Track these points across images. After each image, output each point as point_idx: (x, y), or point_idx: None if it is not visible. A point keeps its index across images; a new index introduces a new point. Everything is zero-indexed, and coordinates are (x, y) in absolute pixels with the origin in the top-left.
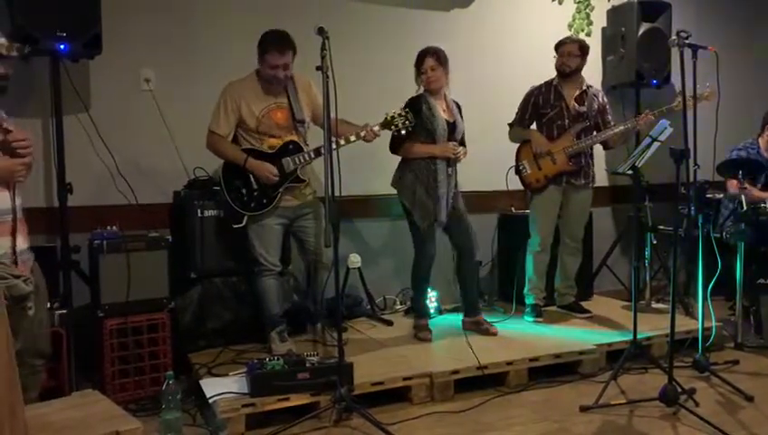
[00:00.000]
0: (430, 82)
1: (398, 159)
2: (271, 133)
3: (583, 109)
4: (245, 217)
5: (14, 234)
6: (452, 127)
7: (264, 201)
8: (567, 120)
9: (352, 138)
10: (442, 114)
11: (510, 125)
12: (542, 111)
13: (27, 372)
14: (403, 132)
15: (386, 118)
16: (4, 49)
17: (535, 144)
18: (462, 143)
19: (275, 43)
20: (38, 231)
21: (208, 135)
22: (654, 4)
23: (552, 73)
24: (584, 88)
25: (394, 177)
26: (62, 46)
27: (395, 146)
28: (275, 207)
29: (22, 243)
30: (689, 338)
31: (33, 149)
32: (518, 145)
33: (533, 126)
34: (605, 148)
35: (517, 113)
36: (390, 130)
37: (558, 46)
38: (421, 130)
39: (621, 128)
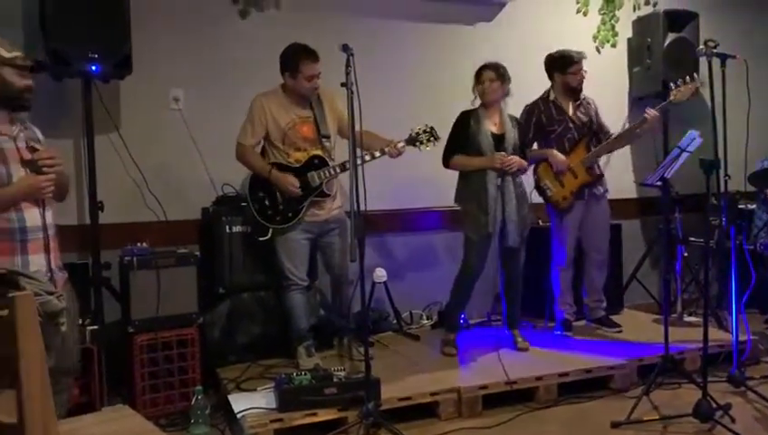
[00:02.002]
0: (486, 94)
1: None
2: (296, 146)
3: (585, 118)
4: (270, 230)
5: (47, 250)
6: (499, 139)
7: (290, 215)
8: (576, 133)
9: (377, 153)
10: (489, 128)
11: None
12: (548, 128)
13: (58, 388)
14: (428, 148)
15: (410, 134)
16: (20, 60)
17: (555, 163)
18: (518, 155)
19: (309, 52)
20: (70, 248)
21: (237, 146)
22: (680, 14)
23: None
24: (580, 98)
25: (455, 193)
26: (93, 67)
27: (445, 159)
28: (300, 220)
29: (56, 260)
30: (723, 352)
31: (64, 166)
32: (533, 166)
33: (535, 145)
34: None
35: (522, 135)
36: (415, 146)
37: (568, 64)
38: (469, 144)
39: (628, 127)
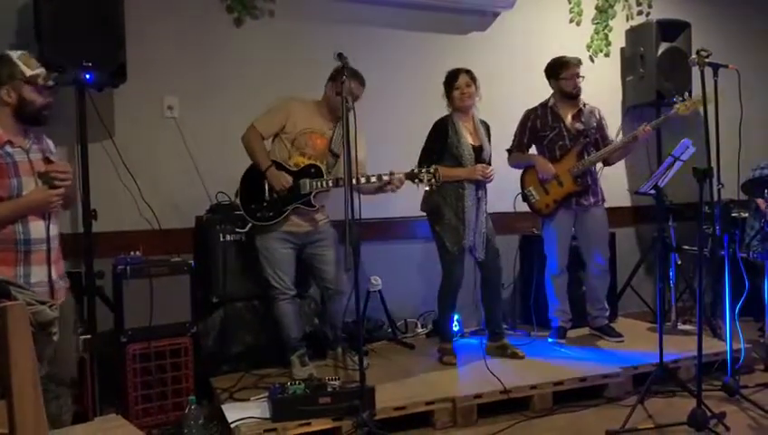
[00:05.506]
0: (464, 99)
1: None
2: (303, 152)
3: (582, 127)
4: (249, 225)
5: (48, 262)
6: (478, 151)
7: (271, 214)
8: (568, 141)
9: (373, 178)
10: (468, 139)
11: (509, 151)
12: (540, 133)
13: (49, 396)
14: (426, 188)
15: (412, 170)
16: (41, 79)
17: (541, 169)
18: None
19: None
20: (64, 257)
21: (248, 128)
22: (673, 24)
23: None
24: (580, 106)
25: (422, 201)
26: (87, 76)
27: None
28: (280, 224)
29: (57, 271)
30: (718, 360)
31: (72, 180)
32: (521, 172)
33: (533, 149)
34: (605, 164)
35: (515, 138)
36: (414, 182)
37: (561, 68)
38: (448, 155)
39: (620, 142)
